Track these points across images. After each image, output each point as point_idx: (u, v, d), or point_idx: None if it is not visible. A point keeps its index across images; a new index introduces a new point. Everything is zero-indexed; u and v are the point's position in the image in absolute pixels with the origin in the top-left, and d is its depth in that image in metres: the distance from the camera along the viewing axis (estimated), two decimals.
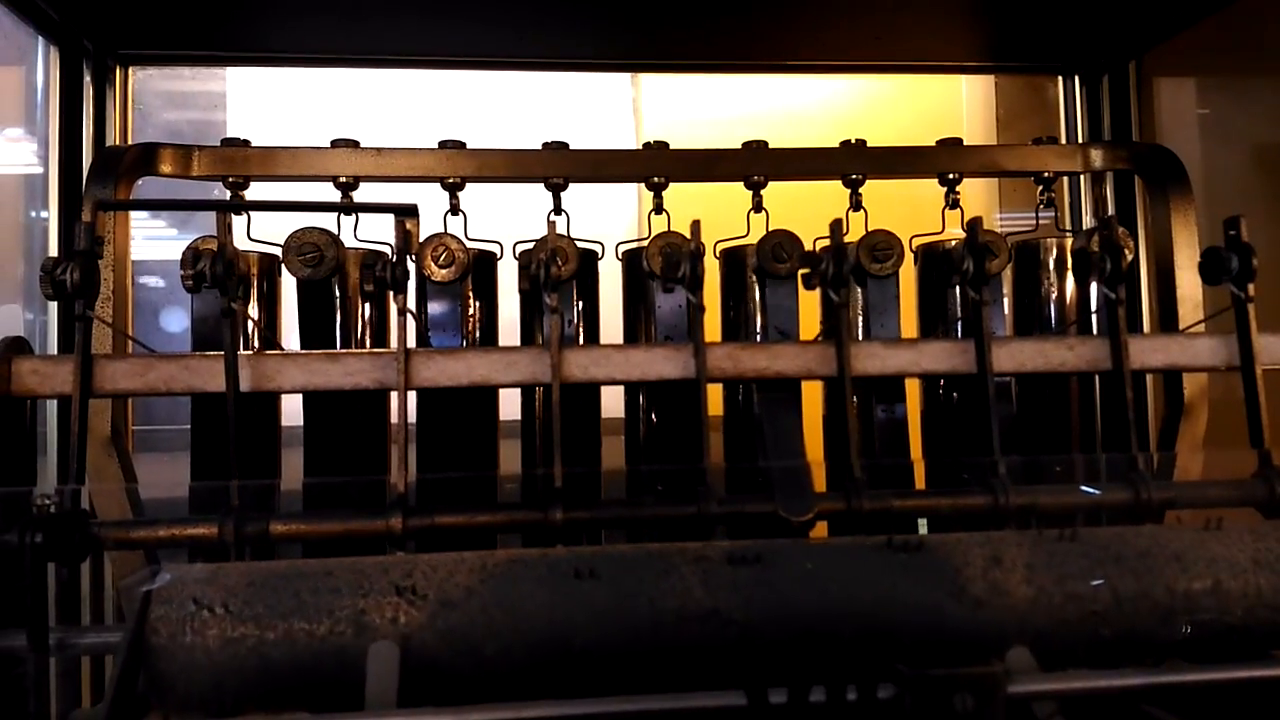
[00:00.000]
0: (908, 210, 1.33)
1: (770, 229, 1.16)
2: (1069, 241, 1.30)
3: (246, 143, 1.26)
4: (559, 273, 0.93)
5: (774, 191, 1.36)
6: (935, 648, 0.72)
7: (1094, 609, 0.75)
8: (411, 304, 1.23)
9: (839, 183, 1.36)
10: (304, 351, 0.92)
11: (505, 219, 1.31)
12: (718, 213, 1.32)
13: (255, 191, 1.29)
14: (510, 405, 1.28)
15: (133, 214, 2.58)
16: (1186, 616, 0.76)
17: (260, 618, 0.72)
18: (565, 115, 2.26)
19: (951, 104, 2.38)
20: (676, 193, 1.35)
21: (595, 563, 0.74)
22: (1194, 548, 0.78)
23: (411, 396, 1.18)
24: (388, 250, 0.98)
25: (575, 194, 1.35)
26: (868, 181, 1.36)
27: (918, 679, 0.63)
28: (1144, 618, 0.75)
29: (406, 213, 0.88)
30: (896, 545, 0.75)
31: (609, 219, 1.49)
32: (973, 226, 0.96)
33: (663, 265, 0.98)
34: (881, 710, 0.63)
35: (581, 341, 1.27)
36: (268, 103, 2.67)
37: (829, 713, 0.62)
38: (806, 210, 1.18)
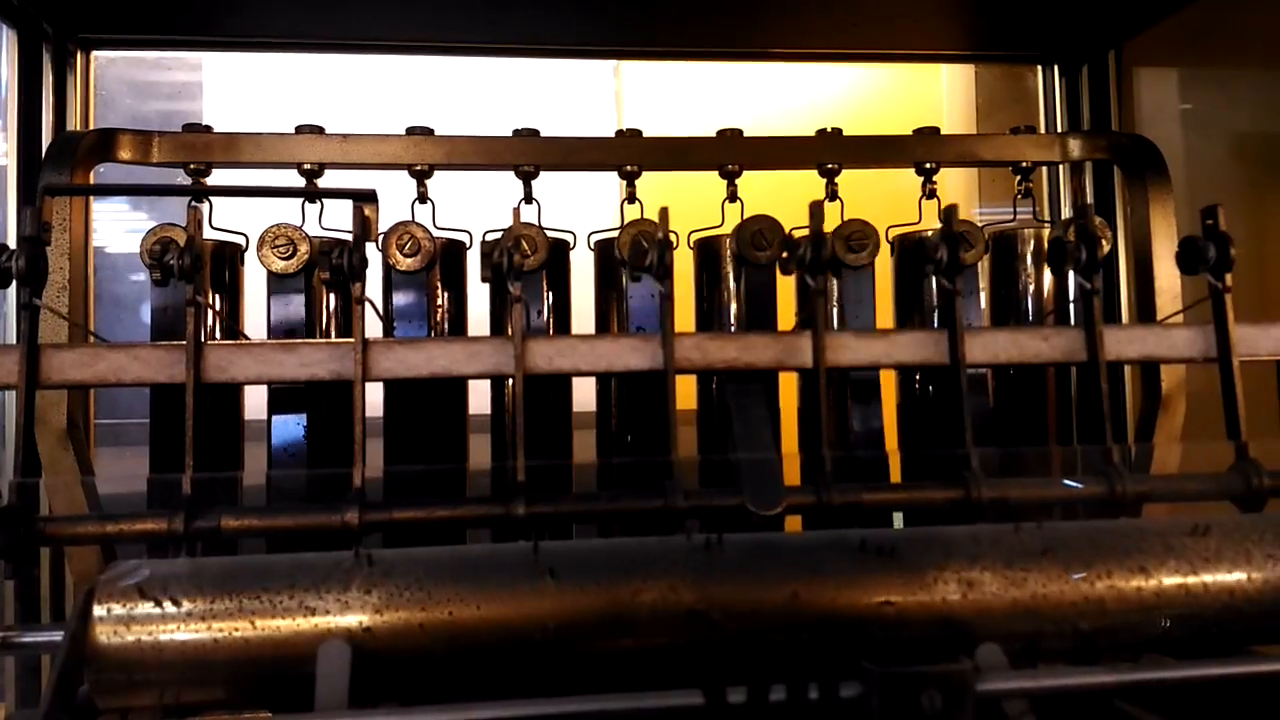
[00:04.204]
0: (886, 202, 1.31)
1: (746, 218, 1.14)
2: (1046, 232, 1.28)
3: (208, 128, 1.23)
4: (522, 261, 0.91)
5: (751, 183, 1.34)
6: (902, 644, 0.70)
7: (1067, 604, 0.73)
8: (379, 296, 1.21)
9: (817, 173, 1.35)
10: (257, 341, 0.89)
11: (482, 210, 1.28)
12: (698, 204, 1.30)
13: (218, 179, 1.26)
14: (484, 399, 1.26)
15: (114, 207, 2.54)
16: (1163, 612, 0.74)
17: (211, 614, 0.70)
18: (545, 105, 2.23)
19: (932, 96, 2.36)
20: (659, 185, 1.32)
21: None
22: (1170, 542, 0.77)
23: (379, 389, 1.17)
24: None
25: (556, 185, 1.32)
26: (846, 172, 1.34)
27: (884, 677, 0.61)
28: (1119, 613, 0.74)
29: (364, 198, 0.86)
30: (862, 537, 0.73)
31: (589, 210, 1.47)
32: (948, 214, 0.94)
33: (630, 254, 0.96)
34: (846, 710, 0.61)
35: (551, 333, 1.25)
36: (244, 93, 2.64)
37: (790, 713, 0.60)
38: (783, 201, 1.16)
